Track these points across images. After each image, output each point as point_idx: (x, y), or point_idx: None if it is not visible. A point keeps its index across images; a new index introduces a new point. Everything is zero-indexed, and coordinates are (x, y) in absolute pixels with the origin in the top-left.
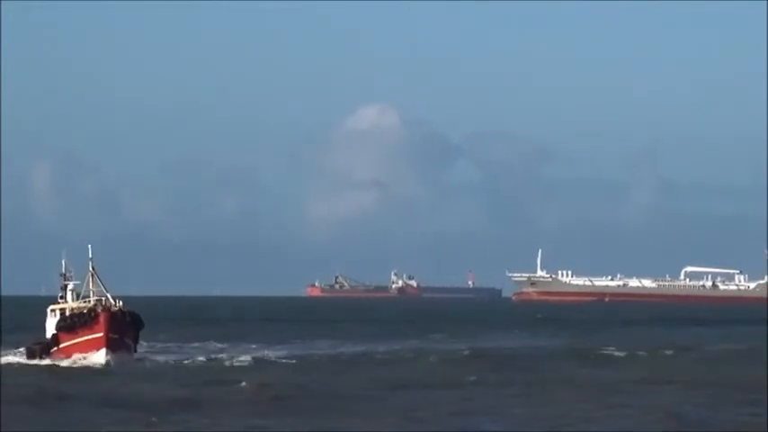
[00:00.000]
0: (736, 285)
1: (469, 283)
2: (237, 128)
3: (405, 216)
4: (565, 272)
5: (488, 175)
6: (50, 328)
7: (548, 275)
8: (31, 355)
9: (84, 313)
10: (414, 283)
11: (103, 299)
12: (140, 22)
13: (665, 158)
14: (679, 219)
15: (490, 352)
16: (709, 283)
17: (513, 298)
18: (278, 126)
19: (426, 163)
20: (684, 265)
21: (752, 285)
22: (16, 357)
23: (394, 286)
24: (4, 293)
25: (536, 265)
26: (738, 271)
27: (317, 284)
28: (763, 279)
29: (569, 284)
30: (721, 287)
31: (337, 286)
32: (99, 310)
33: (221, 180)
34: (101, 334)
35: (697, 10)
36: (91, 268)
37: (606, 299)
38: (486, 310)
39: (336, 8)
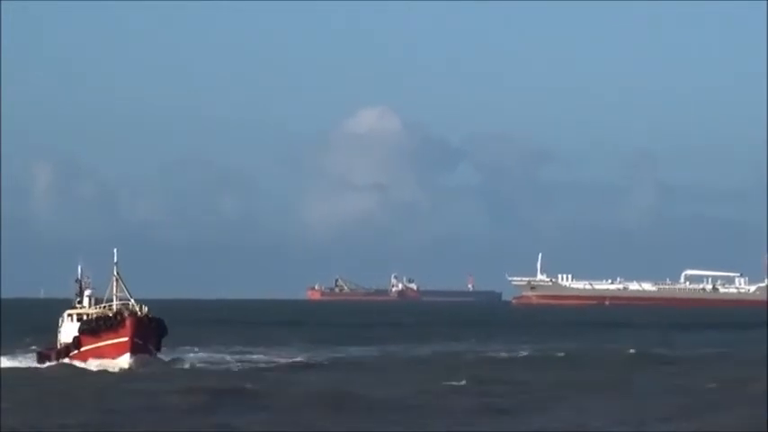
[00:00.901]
0: (737, 288)
1: (469, 286)
2: (237, 129)
3: (405, 219)
4: (565, 275)
5: (488, 177)
6: (67, 332)
7: (548, 280)
8: (42, 360)
9: (110, 317)
10: (414, 286)
11: (129, 303)
12: (138, 23)
13: (664, 161)
14: (679, 221)
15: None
16: (709, 287)
17: (514, 302)
18: (278, 127)
19: (426, 166)
20: (684, 269)
21: (752, 288)
22: (23, 362)
23: (394, 289)
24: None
25: (536, 268)
26: (739, 274)
27: (317, 287)
28: (763, 282)
29: (569, 288)
30: (721, 290)
31: (337, 289)
32: (126, 315)
33: (221, 182)
34: (126, 338)
35: (696, 10)
36: (115, 273)
37: (606, 302)
38: (494, 314)
39: (336, 9)
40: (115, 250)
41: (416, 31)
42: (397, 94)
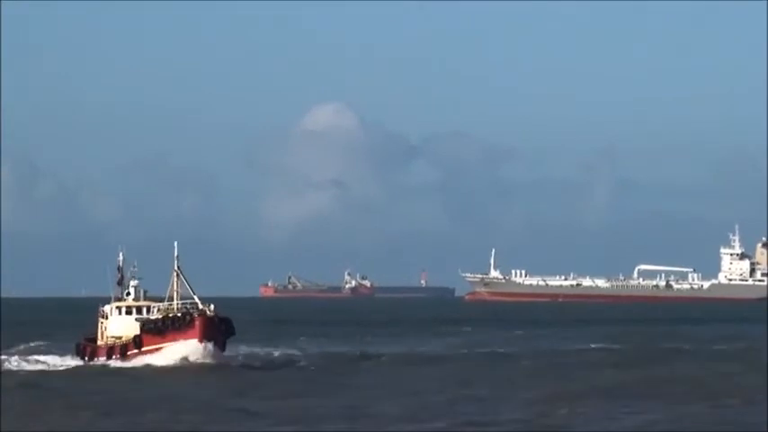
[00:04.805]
0: (690, 285)
1: (422, 282)
2: (194, 128)
3: (361, 216)
4: (518, 271)
5: (446, 175)
6: (115, 325)
7: (501, 277)
8: (83, 355)
9: (179, 317)
10: (367, 282)
11: (197, 302)
12: (93, 25)
13: (621, 159)
14: (634, 217)
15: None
16: (662, 283)
17: (466, 297)
18: (234, 125)
19: (384, 163)
20: (638, 264)
21: (705, 285)
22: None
23: (347, 286)
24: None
25: (489, 264)
26: (692, 269)
27: (270, 284)
28: (716, 279)
29: (522, 285)
30: (675, 286)
31: (290, 286)
32: (195, 315)
33: (178, 180)
34: (195, 339)
35: (651, 9)
36: (176, 267)
37: (560, 299)
38: (458, 310)
39: (291, 8)
40: (176, 243)
41: (374, 28)
42: (356, 91)
